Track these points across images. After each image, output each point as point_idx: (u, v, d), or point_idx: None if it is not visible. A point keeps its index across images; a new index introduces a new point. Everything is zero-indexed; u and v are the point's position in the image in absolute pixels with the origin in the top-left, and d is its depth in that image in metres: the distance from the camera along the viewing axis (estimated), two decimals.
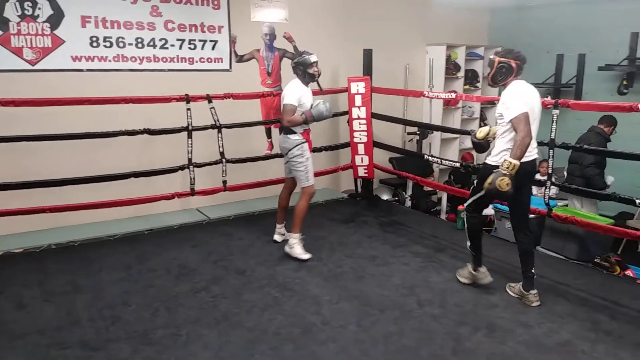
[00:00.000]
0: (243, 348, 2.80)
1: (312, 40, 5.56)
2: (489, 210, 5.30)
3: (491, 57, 3.25)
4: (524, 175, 3.09)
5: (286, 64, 5.49)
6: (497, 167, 3.03)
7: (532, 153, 3.15)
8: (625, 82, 5.43)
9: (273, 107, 5.46)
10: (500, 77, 3.19)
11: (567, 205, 5.15)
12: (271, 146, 5.54)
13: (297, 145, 3.98)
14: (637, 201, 3.62)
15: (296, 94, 3.94)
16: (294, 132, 3.99)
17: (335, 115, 5.61)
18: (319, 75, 4.04)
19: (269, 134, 5.54)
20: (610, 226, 4.15)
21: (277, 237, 4.37)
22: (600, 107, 4.02)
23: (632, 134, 5.02)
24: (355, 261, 4.01)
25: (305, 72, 3.97)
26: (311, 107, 3.97)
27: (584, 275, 3.85)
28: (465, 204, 3.48)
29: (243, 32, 5.19)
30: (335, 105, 5.71)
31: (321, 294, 3.44)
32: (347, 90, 5.33)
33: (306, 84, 4.02)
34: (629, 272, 4.31)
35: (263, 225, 4.80)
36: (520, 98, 3.06)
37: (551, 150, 3.87)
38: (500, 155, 3.16)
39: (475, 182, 3.41)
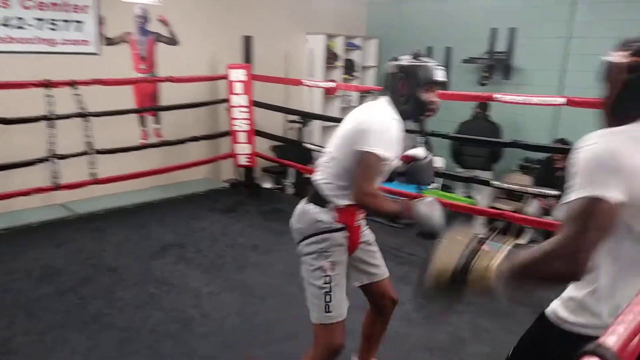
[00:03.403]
0: (115, 349, 2.64)
1: (189, 24, 5.35)
2: None
3: (608, 58, 1.28)
4: None
5: (162, 48, 5.23)
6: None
7: None
8: (485, 74, 5.92)
9: (147, 94, 5.18)
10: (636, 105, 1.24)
11: (437, 189, 5.52)
12: (145, 135, 5.26)
13: (317, 235, 1.99)
14: (494, 183, 3.98)
15: (387, 134, 1.88)
16: (326, 202, 1.99)
17: (214, 102, 5.49)
18: (432, 115, 2.02)
19: (143, 122, 5.25)
20: (470, 206, 4.52)
21: None
22: (462, 96, 4.33)
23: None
24: (237, 251, 3.97)
25: (413, 94, 1.94)
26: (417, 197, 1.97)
27: None
28: None
29: (112, 13, 4.83)
30: (214, 92, 5.59)
31: (201, 286, 3.36)
32: (226, 77, 5.21)
33: (409, 120, 2.00)
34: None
35: (139, 219, 4.56)
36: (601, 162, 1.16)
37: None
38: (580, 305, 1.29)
39: None
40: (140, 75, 5.07)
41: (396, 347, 2.73)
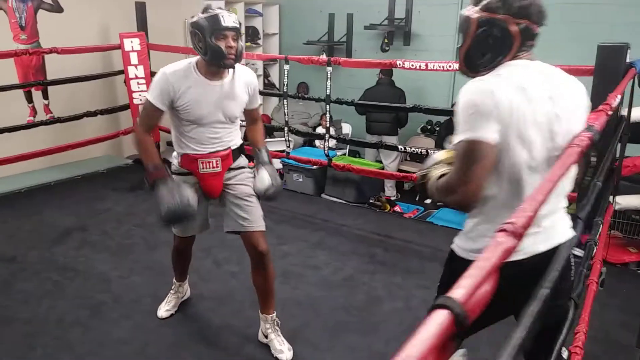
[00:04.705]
0: (21, 344, 2.46)
1: None
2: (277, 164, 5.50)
3: (463, 12, 1.42)
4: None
5: (44, 16, 4.77)
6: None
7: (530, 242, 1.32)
8: (386, 41, 6.04)
9: (32, 66, 4.74)
10: (485, 55, 1.38)
11: (345, 155, 5.64)
12: (34, 112, 4.83)
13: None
14: (401, 148, 4.13)
15: (154, 83, 2.12)
16: (174, 150, 2.36)
17: (109, 75, 5.15)
18: (236, 59, 2.08)
19: (29, 98, 4.80)
20: (380, 170, 4.68)
21: None
22: (366, 64, 4.39)
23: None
24: (147, 231, 3.80)
25: (207, 44, 2.02)
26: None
27: (361, 215, 4.28)
28: None
29: None
30: (109, 64, 5.23)
31: (109, 270, 3.20)
32: (119, 47, 4.88)
33: (208, 69, 2.12)
34: (397, 208, 4.94)
35: (33, 203, 4.22)
36: (479, 108, 1.27)
37: (328, 106, 4.11)
38: (476, 233, 1.45)
39: None
40: (21, 46, 4.61)
41: (314, 310, 2.79)
